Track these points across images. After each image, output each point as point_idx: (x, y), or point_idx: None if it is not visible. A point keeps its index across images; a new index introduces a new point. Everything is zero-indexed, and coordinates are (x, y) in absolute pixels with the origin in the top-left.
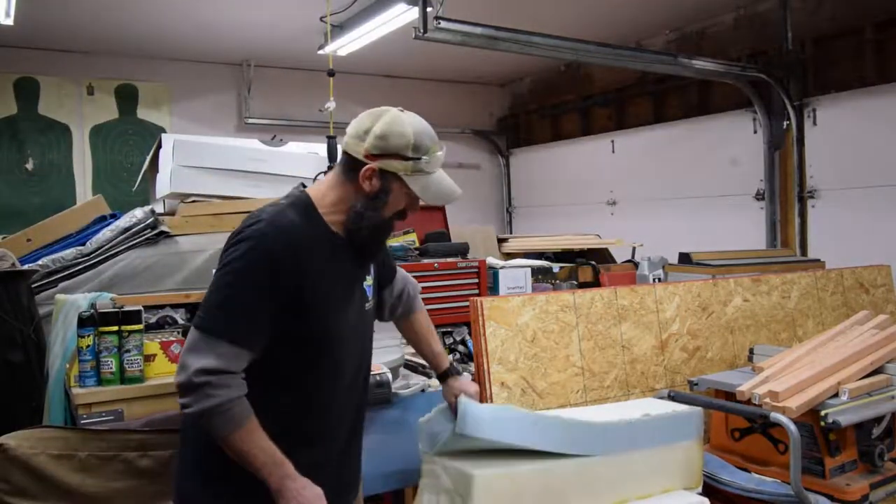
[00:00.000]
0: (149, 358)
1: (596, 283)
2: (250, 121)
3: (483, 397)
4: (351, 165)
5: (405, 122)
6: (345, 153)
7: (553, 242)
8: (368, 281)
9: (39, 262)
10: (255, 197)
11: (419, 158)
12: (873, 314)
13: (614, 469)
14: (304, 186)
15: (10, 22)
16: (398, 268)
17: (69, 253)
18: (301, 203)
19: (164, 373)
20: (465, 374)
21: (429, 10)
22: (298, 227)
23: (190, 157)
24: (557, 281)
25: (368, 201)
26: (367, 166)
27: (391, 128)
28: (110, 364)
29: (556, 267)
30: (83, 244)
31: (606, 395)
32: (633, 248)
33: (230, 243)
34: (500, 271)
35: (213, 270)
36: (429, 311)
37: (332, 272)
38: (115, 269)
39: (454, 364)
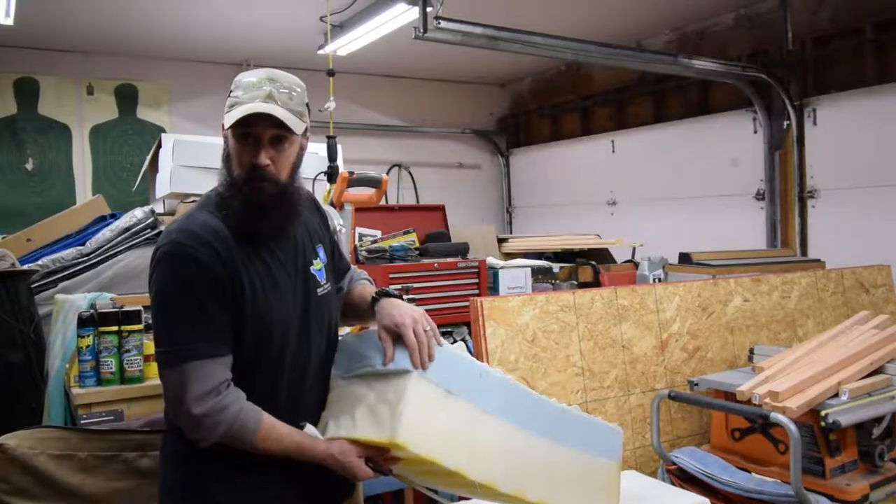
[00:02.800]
0: (149, 358)
1: (596, 283)
2: None
3: None
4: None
5: (243, 75)
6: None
7: (553, 242)
8: (317, 265)
9: (39, 262)
10: None
11: (232, 91)
12: (873, 314)
13: (537, 454)
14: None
15: (10, 22)
16: (352, 266)
17: (69, 253)
18: (210, 202)
19: None
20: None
21: (429, 9)
22: (209, 225)
23: (190, 157)
24: (557, 281)
25: (223, 164)
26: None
27: (232, 83)
28: (110, 364)
29: (556, 267)
30: (83, 244)
31: (606, 394)
32: (633, 248)
33: (152, 269)
34: (500, 271)
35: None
36: (429, 311)
37: (256, 262)
38: (115, 269)
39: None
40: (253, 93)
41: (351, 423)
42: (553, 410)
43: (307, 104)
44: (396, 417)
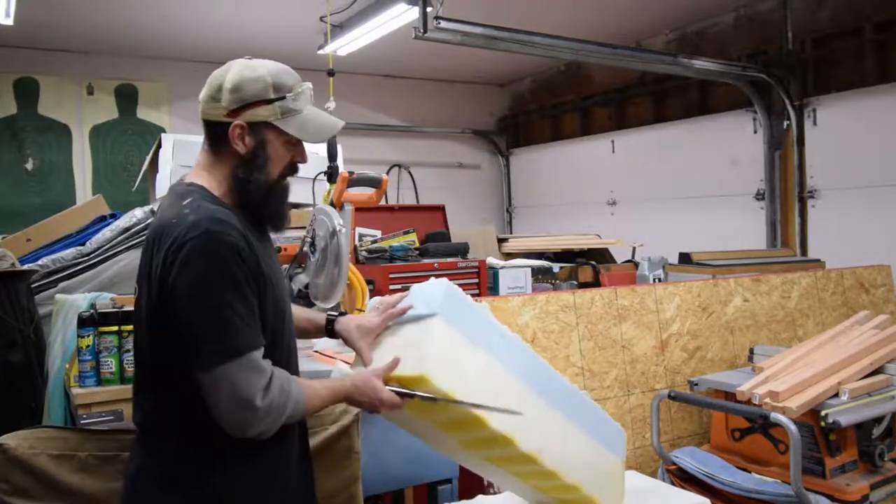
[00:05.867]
0: None
1: (596, 283)
2: None
3: None
4: (217, 134)
5: (256, 66)
6: (205, 123)
7: (553, 242)
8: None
9: (39, 262)
10: None
11: (284, 98)
12: (873, 314)
13: (552, 424)
14: (183, 180)
15: (9, 22)
16: None
17: (69, 253)
18: (204, 195)
19: None
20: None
21: (429, 9)
22: (227, 212)
23: (190, 157)
24: (557, 281)
25: (248, 164)
26: (233, 125)
27: (243, 74)
28: (110, 364)
29: (556, 267)
30: (83, 244)
31: (606, 394)
32: (633, 248)
33: (181, 264)
34: (500, 271)
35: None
36: None
37: (268, 253)
38: (115, 269)
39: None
40: (308, 100)
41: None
42: (565, 387)
43: None
44: (424, 353)
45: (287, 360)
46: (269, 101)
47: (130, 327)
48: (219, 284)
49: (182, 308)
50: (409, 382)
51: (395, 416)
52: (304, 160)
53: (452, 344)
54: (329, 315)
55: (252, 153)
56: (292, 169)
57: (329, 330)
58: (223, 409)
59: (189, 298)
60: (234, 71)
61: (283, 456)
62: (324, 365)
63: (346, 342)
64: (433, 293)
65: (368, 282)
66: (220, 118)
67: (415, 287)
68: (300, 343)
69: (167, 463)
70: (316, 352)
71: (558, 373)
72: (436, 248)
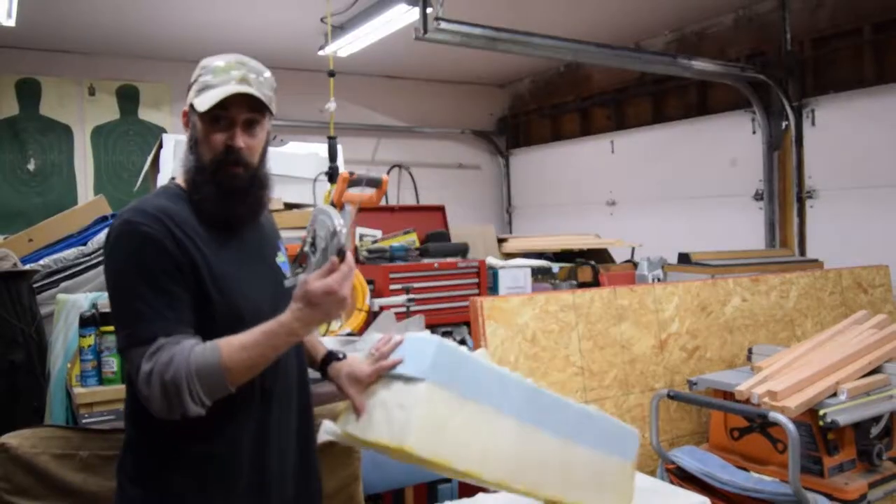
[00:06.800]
0: None
1: (595, 283)
2: None
3: None
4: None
5: (208, 58)
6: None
7: (553, 242)
8: (281, 258)
9: (41, 262)
10: None
11: (202, 76)
12: (871, 314)
13: (552, 453)
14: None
15: (11, 23)
16: None
17: (70, 253)
18: (170, 191)
19: None
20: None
21: (429, 10)
22: (167, 208)
23: None
24: (557, 281)
25: (190, 150)
26: (182, 111)
27: (196, 68)
28: (112, 364)
29: (555, 267)
30: (84, 244)
31: (606, 394)
32: (633, 249)
33: (105, 253)
34: (500, 271)
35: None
36: (428, 311)
37: (222, 251)
38: None
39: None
40: (223, 76)
41: (367, 422)
42: (569, 409)
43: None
44: (408, 421)
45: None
46: (194, 83)
47: None
48: (129, 273)
49: (108, 294)
50: (392, 452)
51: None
52: (233, 141)
53: (440, 406)
54: (327, 354)
55: (190, 138)
56: (227, 152)
57: (322, 370)
58: (138, 391)
59: (108, 284)
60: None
61: (236, 456)
62: None
63: (337, 387)
64: (424, 352)
65: (369, 282)
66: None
67: (408, 337)
68: None
69: (130, 454)
70: None
71: (561, 397)
72: (436, 248)
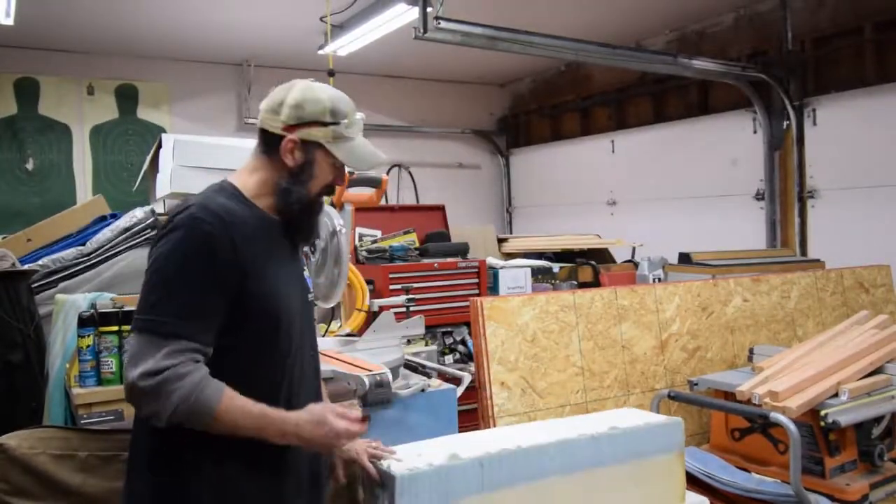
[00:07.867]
0: None
1: (596, 283)
2: (250, 121)
3: (483, 397)
4: (270, 142)
5: (318, 89)
6: (261, 131)
7: (553, 242)
8: (306, 272)
9: (39, 262)
10: None
11: (338, 123)
12: (873, 314)
13: (577, 487)
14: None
15: (10, 22)
16: None
17: (69, 253)
18: (227, 190)
19: None
20: None
21: (429, 10)
22: (231, 209)
23: (190, 157)
24: (557, 281)
25: (294, 176)
26: (288, 138)
27: (305, 95)
28: (110, 364)
29: (556, 267)
30: (83, 244)
31: (606, 394)
32: (633, 248)
33: (160, 235)
34: (500, 271)
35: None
36: (429, 311)
37: (273, 256)
38: (115, 269)
39: None
40: (355, 128)
41: None
42: (582, 440)
43: None
44: None
45: (284, 367)
46: (325, 124)
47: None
48: (179, 265)
49: (147, 270)
50: None
51: None
52: (343, 183)
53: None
54: None
55: (299, 168)
56: (329, 189)
57: None
58: (127, 367)
59: (153, 266)
60: (297, 90)
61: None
62: (323, 365)
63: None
64: (394, 490)
65: (368, 282)
66: (276, 130)
67: (384, 465)
68: None
69: (136, 449)
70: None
71: (576, 430)
72: (436, 248)
